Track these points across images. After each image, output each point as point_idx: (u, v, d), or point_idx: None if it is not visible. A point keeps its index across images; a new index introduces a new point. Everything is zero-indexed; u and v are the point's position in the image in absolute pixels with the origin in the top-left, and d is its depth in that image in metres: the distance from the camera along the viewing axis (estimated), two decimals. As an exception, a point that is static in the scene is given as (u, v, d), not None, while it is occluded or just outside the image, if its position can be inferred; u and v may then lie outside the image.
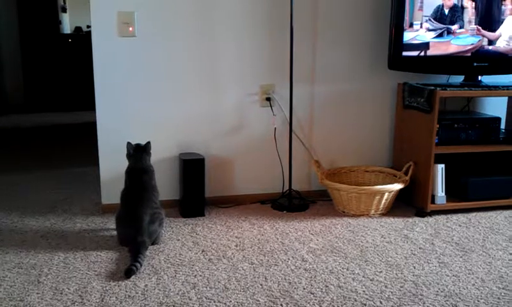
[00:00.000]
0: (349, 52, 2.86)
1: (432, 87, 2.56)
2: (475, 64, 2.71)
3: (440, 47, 2.66)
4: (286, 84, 2.77)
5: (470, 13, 2.64)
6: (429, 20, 2.61)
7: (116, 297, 1.78)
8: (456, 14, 2.61)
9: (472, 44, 2.68)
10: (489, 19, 2.67)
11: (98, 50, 2.55)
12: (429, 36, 2.64)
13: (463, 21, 2.64)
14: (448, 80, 2.94)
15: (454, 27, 2.64)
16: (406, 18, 2.60)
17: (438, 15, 2.61)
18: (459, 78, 2.85)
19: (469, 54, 2.70)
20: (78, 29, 7.08)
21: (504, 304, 1.77)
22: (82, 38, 6.71)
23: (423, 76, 2.90)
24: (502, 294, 1.83)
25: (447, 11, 2.60)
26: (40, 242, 2.28)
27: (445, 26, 2.62)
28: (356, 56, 2.87)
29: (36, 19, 6.38)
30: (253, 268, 2.02)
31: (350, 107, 2.92)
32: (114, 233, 2.33)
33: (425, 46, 2.65)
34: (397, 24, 2.61)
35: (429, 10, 2.61)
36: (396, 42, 2.63)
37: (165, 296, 1.79)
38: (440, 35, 2.64)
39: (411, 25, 2.61)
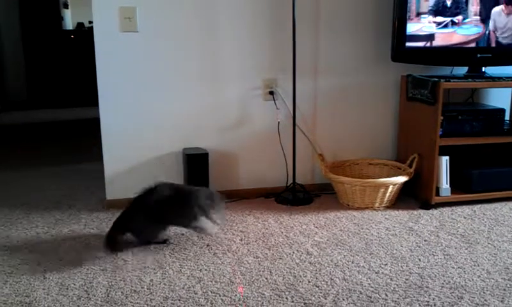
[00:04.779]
0: (352, 45, 2.85)
1: (436, 79, 2.54)
2: (478, 55, 2.69)
3: (444, 38, 2.65)
4: (289, 77, 2.76)
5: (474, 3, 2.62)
6: (431, 11, 2.59)
7: (121, 292, 1.78)
8: (458, 5, 2.59)
9: (477, 33, 2.67)
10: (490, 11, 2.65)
11: (100, 46, 2.55)
12: (433, 27, 2.62)
13: (466, 11, 2.62)
14: (452, 72, 2.93)
15: (458, 18, 2.62)
16: (413, 7, 2.58)
17: (440, 7, 2.59)
18: (462, 70, 2.84)
19: (473, 45, 2.68)
20: (80, 25, 7.08)
21: (510, 295, 1.76)
22: (85, 33, 6.71)
23: (426, 68, 2.88)
24: (508, 285, 1.83)
25: (449, 3, 2.59)
26: (46, 237, 2.29)
27: (448, 18, 2.60)
28: (359, 48, 2.85)
29: (38, 15, 6.39)
30: (258, 262, 2.02)
31: (353, 100, 2.91)
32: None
33: (429, 37, 2.63)
34: (400, 16, 2.59)
35: (432, 1, 2.59)
36: (399, 34, 2.61)
37: (170, 290, 1.80)
38: (445, 26, 2.63)
39: (417, 14, 2.59)
